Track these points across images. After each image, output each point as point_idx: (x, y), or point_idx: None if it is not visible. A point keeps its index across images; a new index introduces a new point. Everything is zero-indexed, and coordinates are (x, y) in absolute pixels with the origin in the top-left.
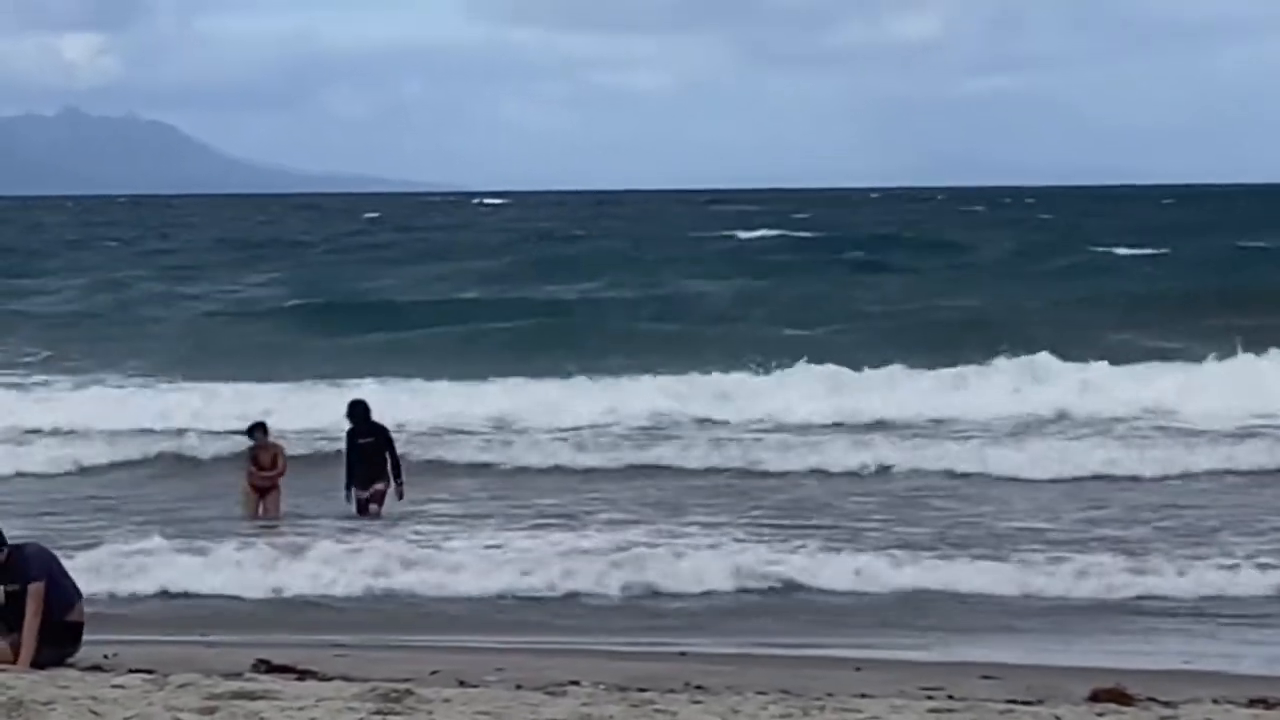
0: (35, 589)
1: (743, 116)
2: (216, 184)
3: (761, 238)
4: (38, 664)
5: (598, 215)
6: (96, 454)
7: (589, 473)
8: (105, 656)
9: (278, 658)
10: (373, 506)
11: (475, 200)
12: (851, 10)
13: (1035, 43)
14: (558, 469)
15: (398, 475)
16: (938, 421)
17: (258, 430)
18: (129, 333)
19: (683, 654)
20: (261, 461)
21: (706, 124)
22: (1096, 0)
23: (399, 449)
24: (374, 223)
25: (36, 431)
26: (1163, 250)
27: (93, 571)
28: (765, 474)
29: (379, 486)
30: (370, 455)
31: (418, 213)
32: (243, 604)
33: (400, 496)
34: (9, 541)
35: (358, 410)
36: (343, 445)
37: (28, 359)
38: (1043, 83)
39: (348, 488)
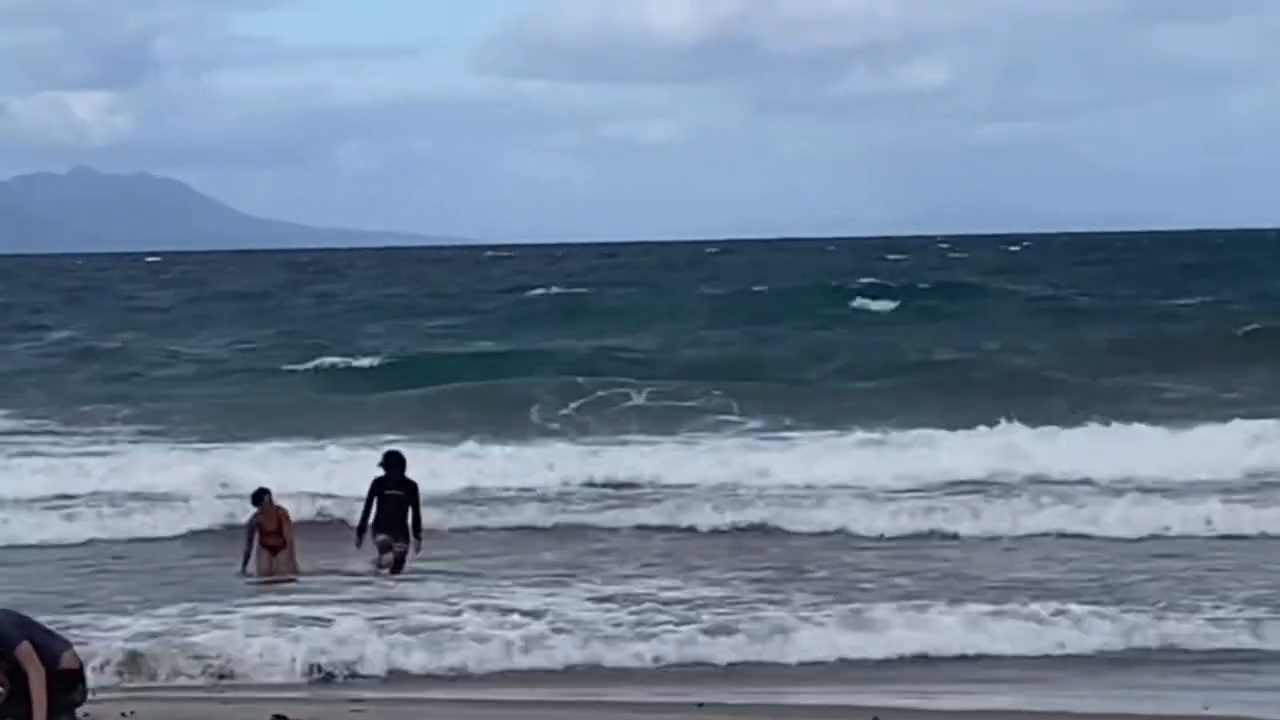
0: (24, 651)
1: (752, 166)
2: (227, 240)
3: (768, 289)
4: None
5: (605, 267)
6: (106, 522)
7: (603, 530)
8: (123, 714)
9: (294, 713)
10: (386, 558)
11: (486, 253)
12: (860, 59)
13: (1045, 90)
14: (572, 526)
15: (417, 530)
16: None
17: (264, 495)
18: (133, 390)
19: (700, 705)
20: (266, 528)
21: (715, 174)
22: (1107, 47)
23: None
24: (382, 277)
25: (38, 500)
26: (1200, 297)
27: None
28: (776, 531)
29: (399, 547)
30: (394, 508)
31: (428, 267)
32: (258, 662)
33: (417, 550)
34: None
35: (392, 460)
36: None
37: (40, 413)
38: (1053, 130)
39: (359, 533)
